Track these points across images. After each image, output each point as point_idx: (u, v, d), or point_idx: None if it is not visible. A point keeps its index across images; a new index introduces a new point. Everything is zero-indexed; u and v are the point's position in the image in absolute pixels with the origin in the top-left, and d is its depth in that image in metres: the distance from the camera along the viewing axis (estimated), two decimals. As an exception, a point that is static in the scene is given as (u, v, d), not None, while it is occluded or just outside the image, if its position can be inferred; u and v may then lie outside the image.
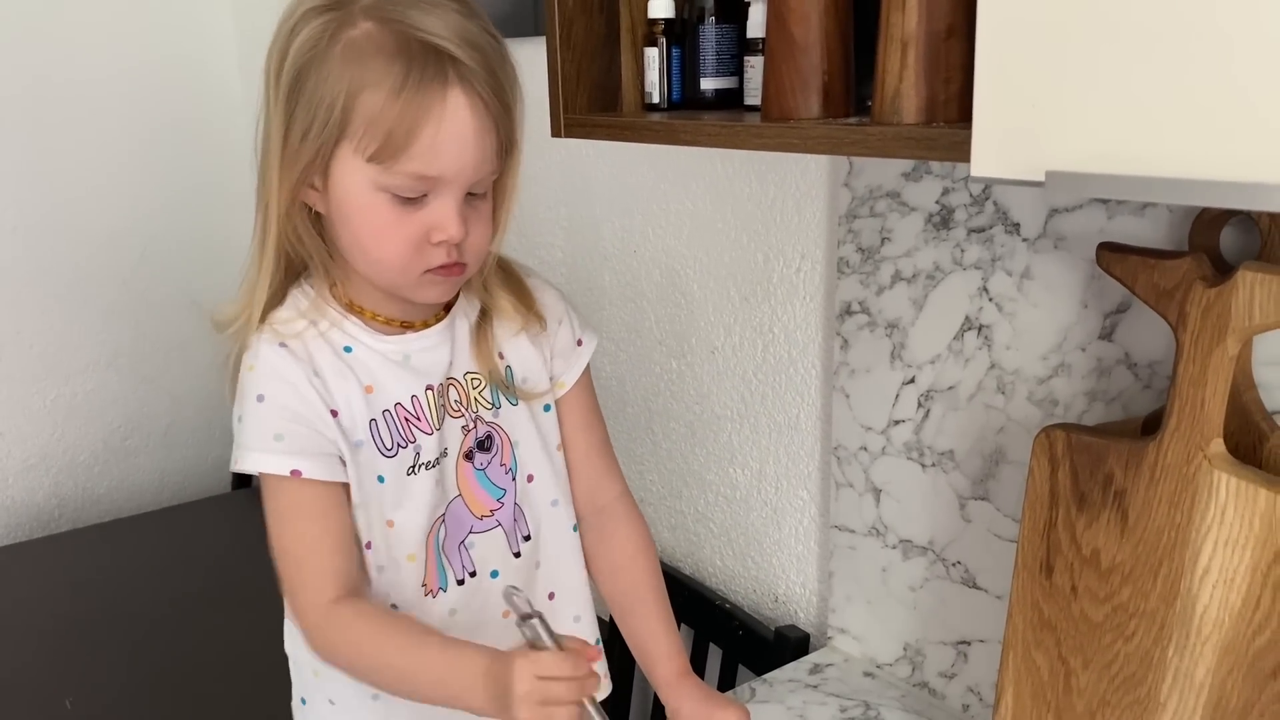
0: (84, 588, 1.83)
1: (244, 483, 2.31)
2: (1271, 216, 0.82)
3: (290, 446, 0.87)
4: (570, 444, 1.03)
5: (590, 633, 1.04)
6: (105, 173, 2.18)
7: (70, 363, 2.20)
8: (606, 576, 1.04)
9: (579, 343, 1.02)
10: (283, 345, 0.89)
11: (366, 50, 0.80)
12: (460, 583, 0.96)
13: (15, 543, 2.08)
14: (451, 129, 0.81)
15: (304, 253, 0.90)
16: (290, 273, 0.92)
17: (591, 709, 0.80)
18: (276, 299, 0.91)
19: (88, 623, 1.70)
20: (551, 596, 1.02)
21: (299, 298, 0.92)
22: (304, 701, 1.02)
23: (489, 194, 0.88)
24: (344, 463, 0.89)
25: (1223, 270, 0.80)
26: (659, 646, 1.00)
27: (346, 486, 0.90)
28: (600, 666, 1.07)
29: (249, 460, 0.88)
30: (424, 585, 0.95)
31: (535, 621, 0.80)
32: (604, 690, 1.07)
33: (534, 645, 0.80)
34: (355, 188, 0.84)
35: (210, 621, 1.71)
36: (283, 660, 1.06)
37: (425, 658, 0.86)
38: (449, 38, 0.81)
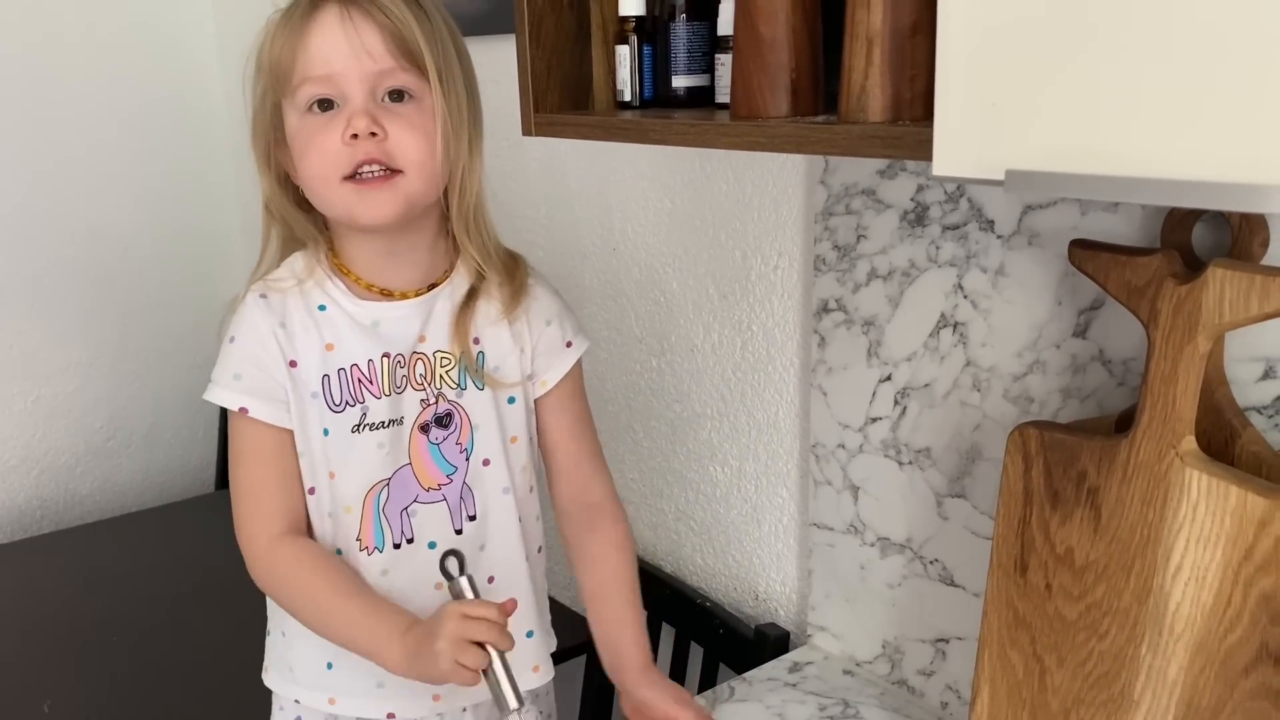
0: (66, 590, 1.82)
1: (227, 483, 2.29)
2: (1242, 214, 0.82)
3: (245, 386, 0.96)
4: (560, 449, 1.07)
5: (525, 624, 1.05)
6: (87, 172, 2.16)
7: (51, 363, 2.19)
8: (584, 567, 1.07)
9: (568, 344, 1.06)
10: (263, 296, 0.98)
11: (279, 14, 0.93)
12: (396, 546, 1.00)
13: (-4, 545, 2.07)
14: (321, 32, 0.91)
15: (297, 228, 0.99)
16: (293, 245, 1.01)
17: (499, 664, 0.88)
18: (277, 265, 1.01)
19: (69, 625, 1.69)
20: (491, 580, 1.05)
21: (297, 260, 1.00)
22: (269, 632, 1.08)
23: (418, 103, 0.93)
24: (290, 411, 0.97)
25: (1194, 267, 0.80)
26: (626, 634, 1.03)
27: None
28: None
29: (211, 392, 0.98)
30: (359, 540, 0.99)
31: (464, 580, 0.90)
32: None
33: (459, 599, 0.90)
34: (291, 126, 0.94)
35: (194, 623, 1.70)
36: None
37: (349, 605, 0.94)
38: None
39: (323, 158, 0.91)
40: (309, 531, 1.00)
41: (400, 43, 0.91)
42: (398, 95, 0.92)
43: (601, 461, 1.10)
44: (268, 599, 1.06)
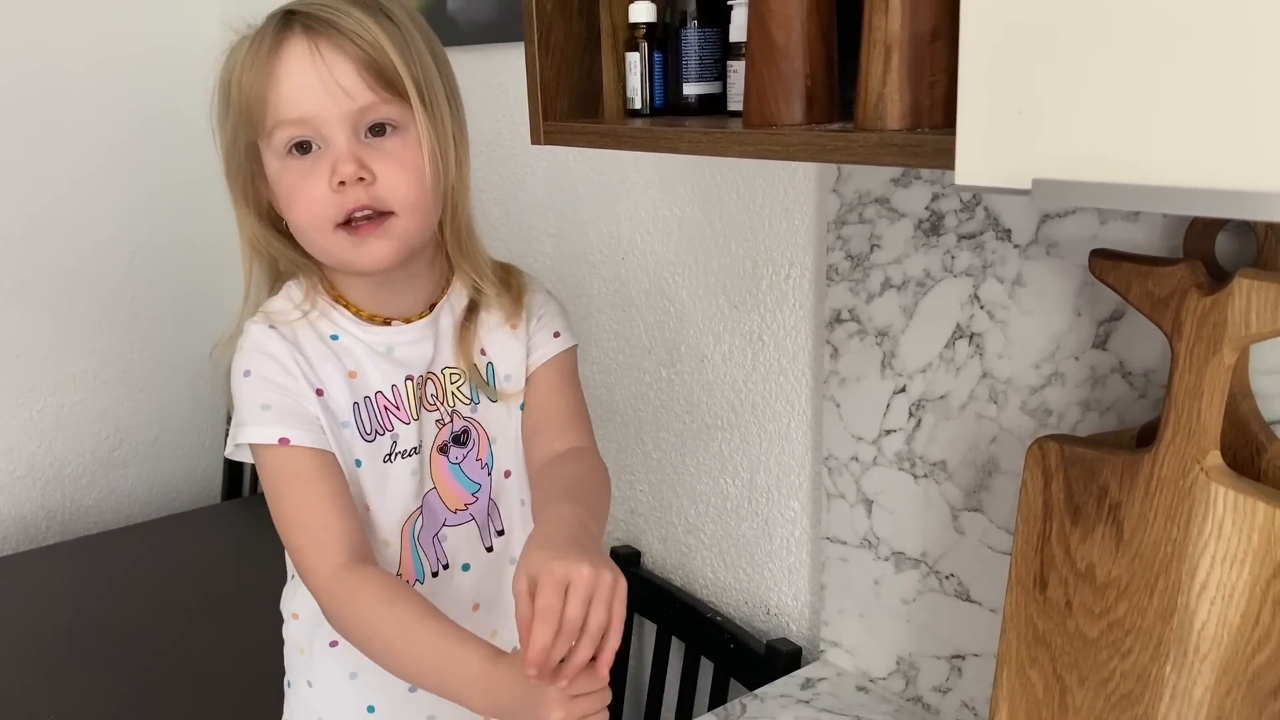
0: (72, 601, 1.81)
1: (234, 493, 2.29)
2: (1268, 223, 0.80)
3: (277, 415, 0.89)
4: (529, 411, 0.99)
5: None
6: (93, 181, 2.16)
7: (58, 373, 2.18)
8: (536, 477, 0.96)
9: (555, 334, 1.01)
10: (271, 327, 0.92)
11: (245, 43, 0.88)
12: (434, 575, 0.97)
13: (2, 556, 2.05)
14: (291, 69, 0.85)
15: (285, 261, 0.95)
16: (279, 278, 0.97)
17: None
18: (270, 295, 0.96)
19: (75, 637, 1.68)
20: None
21: (293, 289, 0.95)
22: (289, 684, 1.04)
23: (402, 135, 0.88)
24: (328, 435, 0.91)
25: (1218, 277, 0.78)
26: (549, 510, 0.85)
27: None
28: None
29: (242, 435, 0.89)
30: (399, 575, 0.95)
31: None
32: None
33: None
34: (272, 170, 0.89)
35: (200, 634, 1.68)
36: (273, 673, 1.05)
37: (422, 643, 0.82)
38: (309, 4, 0.86)
39: (311, 207, 0.87)
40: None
41: (377, 72, 0.85)
42: (380, 128, 0.87)
43: (584, 425, 0.99)
44: (285, 649, 1.03)
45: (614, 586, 0.74)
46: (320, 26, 0.84)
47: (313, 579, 0.87)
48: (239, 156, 0.90)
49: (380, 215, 0.87)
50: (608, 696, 0.78)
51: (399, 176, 0.87)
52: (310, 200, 0.86)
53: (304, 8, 0.86)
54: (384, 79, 0.85)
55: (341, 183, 0.85)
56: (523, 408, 1.00)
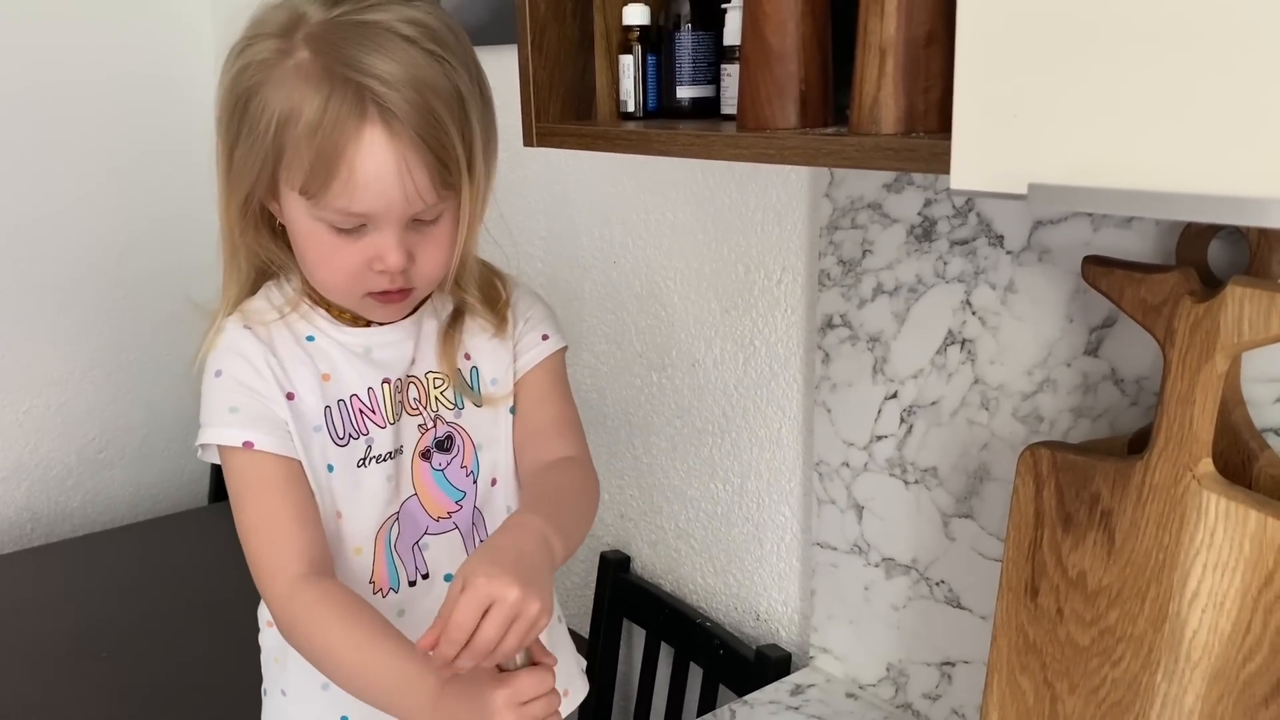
0: (57, 604, 1.80)
1: (221, 496, 2.28)
2: (1261, 230, 0.80)
3: (243, 419, 0.87)
4: (521, 419, 0.98)
5: (548, 639, 1.00)
6: (82, 183, 2.15)
7: (44, 374, 2.17)
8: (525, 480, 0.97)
9: (544, 337, 1.00)
10: (246, 327, 0.90)
11: (296, 80, 0.80)
12: (412, 584, 0.96)
13: (-14, 557, 2.04)
14: (368, 168, 0.80)
15: (267, 259, 0.92)
16: (262, 273, 0.94)
17: None
18: (249, 292, 0.93)
19: (60, 640, 1.66)
20: None
21: (272, 290, 0.93)
22: (265, 692, 1.03)
23: (444, 218, 0.86)
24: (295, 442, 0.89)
25: (1211, 284, 0.78)
26: (514, 516, 0.85)
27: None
28: (577, 665, 1.09)
29: (206, 434, 0.88)
30: (372, 583, 0.94)
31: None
32: (581, 693, 1.08)
33: (500, 666, 0.79)
34: (296, 215, 0.85)
35: (186, 637, 1.67)
36: (258, 679, 1.05)
37: (374, 663, 0.81)
38: (377, 74, 0.79)
39: (343, 277, 0.86)
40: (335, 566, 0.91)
41: (443, 170, 0.82)
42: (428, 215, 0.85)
43: (577, 434, 0.99)
44: (261, 656, 1.01)
45: (534, 620, 0.74)
46: (404, 120, 0.79)
47: (268, 588, 0.86)
48: (252, 175, 0.84)
49: (400, 291, 0.87)
50: (557, 700, 0.79)
51: (435, 258, 0.87)
52: (345, 271, 0.85)
53: (381, 83, 0.78)
54: (447, 178, 0.83)
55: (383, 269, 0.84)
56: (513, 411, 0.98)
